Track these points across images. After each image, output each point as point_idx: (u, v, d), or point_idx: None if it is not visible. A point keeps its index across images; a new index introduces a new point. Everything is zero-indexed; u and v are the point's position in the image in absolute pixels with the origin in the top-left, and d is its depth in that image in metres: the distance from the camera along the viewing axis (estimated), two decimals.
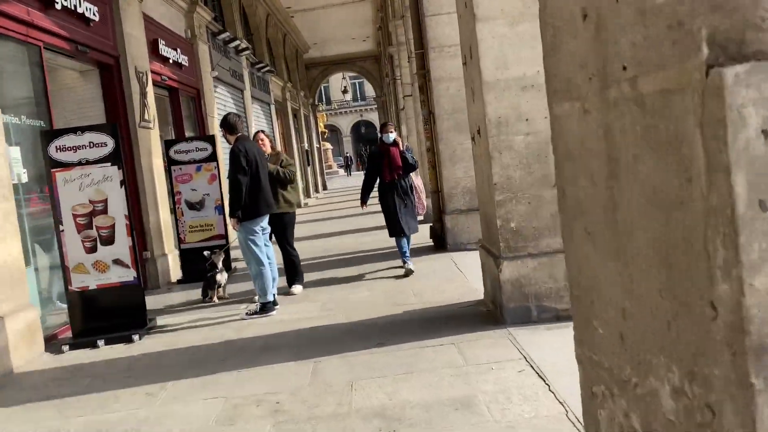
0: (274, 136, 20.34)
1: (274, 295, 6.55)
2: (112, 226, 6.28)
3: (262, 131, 7.32)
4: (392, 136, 7.64)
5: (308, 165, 27.66)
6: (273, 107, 20.85)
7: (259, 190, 6.34)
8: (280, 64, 23.86)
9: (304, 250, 10.93)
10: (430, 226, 9.65)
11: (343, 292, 7.08)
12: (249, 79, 17.30)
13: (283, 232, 7.17)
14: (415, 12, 9.11)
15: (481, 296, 5.91)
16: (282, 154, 7.57)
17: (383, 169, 7.56)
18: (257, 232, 6.39)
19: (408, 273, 7.45)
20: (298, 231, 14.36)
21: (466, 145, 8.96)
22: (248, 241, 6.35)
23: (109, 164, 6.24)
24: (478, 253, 5.83)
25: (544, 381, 3.80)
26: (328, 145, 49.60)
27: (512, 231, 4.98)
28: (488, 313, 5.38)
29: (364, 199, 7.97)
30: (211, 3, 15.76)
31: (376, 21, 25.69)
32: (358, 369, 4.44)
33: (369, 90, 53.38)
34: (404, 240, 7.62)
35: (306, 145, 28.25)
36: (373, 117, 59.18)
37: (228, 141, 6.58)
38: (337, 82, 50.00)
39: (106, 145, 6.24)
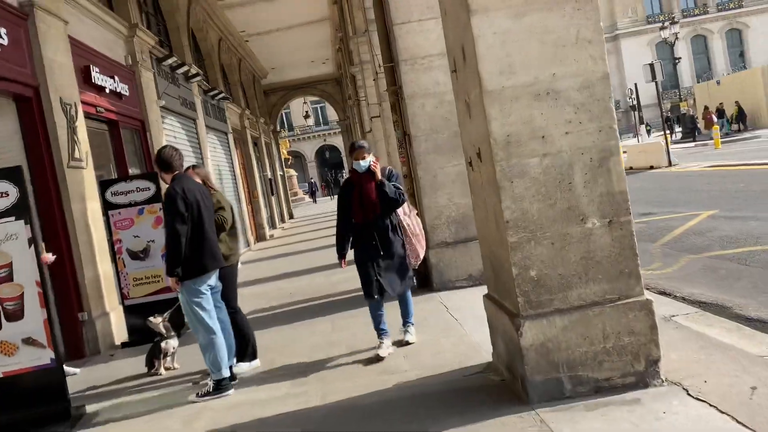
0: (233, 167, 19.02)
1: (231, 367, 5.30)
2: (20, 297, 5.00)
3: (194, 166, 5.96)
4: (365, 163, 5.53)
5: (272, 194, 26.42)
6: (231, 136, 19.54)
7: (203, 240, 5.02)
8: (236, 90, 22.63)
9: (267, 295, 9.68)
10: None
11: (315, 355, 5.82)
12: (202, 107, 16.00)
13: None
14: (381, 22, 8.03)
15: (487, 356, 4.75)
16: (217, 194, 5.84)
17: (353, 207, 5.55)
18: (204, 293, 5.06)
19: (378, 358, 5.33)
20: (261, 270, 13.19)
21: (448, 168, 7.87)
22: (192, 304, 5.02)
23: (13, 219, 4.99)
24: (484, 306, 4.65)
25: None
26: (293, 172, 48.38)
27: (533, 281, 3.83)
28: (504, 386, 4.20)
29: (341, 252, 5.70)
30: (155, 27, 14.52)
31: (335, 42, 24.71)
32: None
33: (332, 114, 52.44)
34: (382, 305, 5.58)
35: (269, 174, 27.00)
36: (338, 141, 58.16)
37: (164, 181, 5.33)
38: (298, 107, 48.76)
39: (8, 195, 4.98)
